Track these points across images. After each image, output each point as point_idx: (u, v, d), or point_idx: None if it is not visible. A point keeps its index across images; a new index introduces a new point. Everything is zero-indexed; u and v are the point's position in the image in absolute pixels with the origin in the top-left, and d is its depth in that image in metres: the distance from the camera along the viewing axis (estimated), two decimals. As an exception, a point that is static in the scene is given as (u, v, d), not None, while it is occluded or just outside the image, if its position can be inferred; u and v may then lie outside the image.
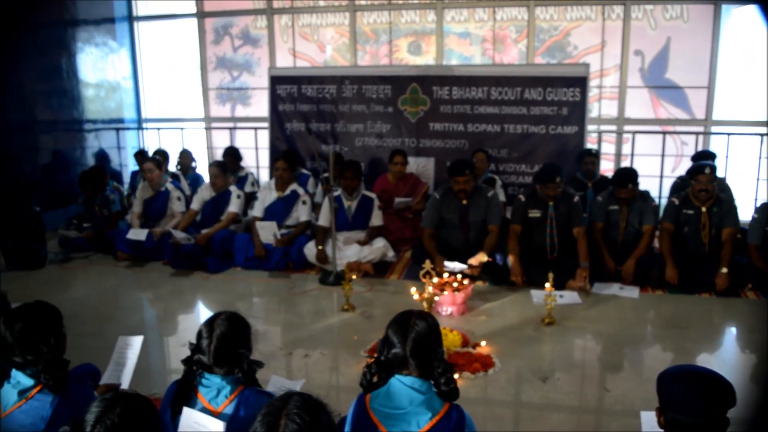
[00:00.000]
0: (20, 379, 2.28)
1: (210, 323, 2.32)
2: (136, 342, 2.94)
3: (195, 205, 6.57)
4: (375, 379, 2.25)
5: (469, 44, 8.28)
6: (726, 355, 4.41)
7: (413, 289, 4.00)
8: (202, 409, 2.20)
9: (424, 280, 4.01)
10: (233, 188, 6.55)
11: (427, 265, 4.01)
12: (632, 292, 5.36)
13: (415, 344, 2.19)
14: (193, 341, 2.33)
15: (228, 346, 2.27)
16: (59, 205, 7.60)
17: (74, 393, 2.31)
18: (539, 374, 3.90)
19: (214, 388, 2.25)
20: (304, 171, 7.47)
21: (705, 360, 4.22)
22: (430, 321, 2.30)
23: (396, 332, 2.24)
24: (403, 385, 2.17)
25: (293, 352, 4.28)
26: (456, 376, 3.47)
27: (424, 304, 3.91)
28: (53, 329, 2.40)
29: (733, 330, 4.86)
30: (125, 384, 2.83)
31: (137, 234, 6.33)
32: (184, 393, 2.24)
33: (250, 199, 6.99)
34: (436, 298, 3.87)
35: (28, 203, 6.45)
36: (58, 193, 7.70)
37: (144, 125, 9.35)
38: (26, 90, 7.26)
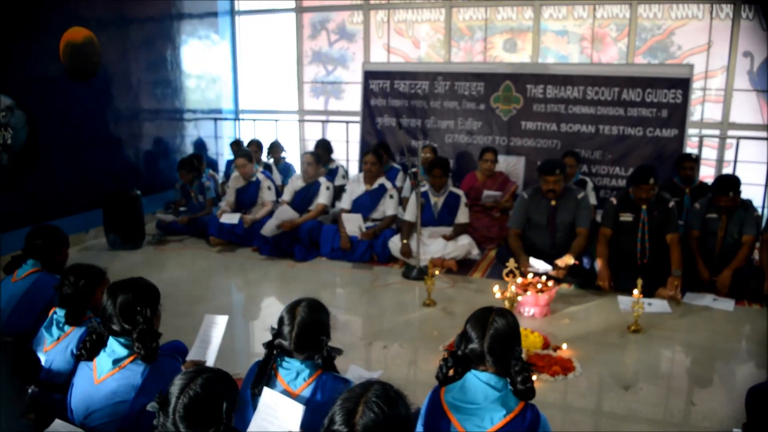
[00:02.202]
0: (115, 347, 2.42)
1: (292, 309, 2.38)
2: (222, 321, 3.05)
3: (286, 195, 6.74)
4: (451, 372, 2.25)
5: (567, 42, 8.09)
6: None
7: (496, 288, 3.96)
8: (281, 390, 2.27)
9: (507, 279, 3.97)
10: (323, 180, 6.68)
11: (511, 263, 3.97)
12: (727, 304, 5.11)
13: (493, 341, 2.19)
14: (275, 326, 2.40)
15: (308, 333, 2.33)
16: (158, 190, 7.99)
17: (163, 365, 2.44)
18: (622, 382, 3.80)
19: (294, 370, 2.32)
20: (395, 165, 7.52)
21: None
22: (510, 319, 2.28)
23: (475, 327, 2.24)
24: (478, 381, 2.17)
25: (373, 342, 4.34)
26: (534, 377, 3.44)
27: (506, 303, 3.88)
28: (151, 303, 2.54)
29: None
30: (210, 361, 2.96)
31: (230, 218, 6.59)
32: (265, 374, 2.31)
33: (339, 191, 7.12)
34: (519, 298, 3.82)
35: (130, 187, 6.83)
36: (157, 178, 8.09)
37: (240, 116, 9.66)
38: (133, 79, 7.65)
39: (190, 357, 3.01)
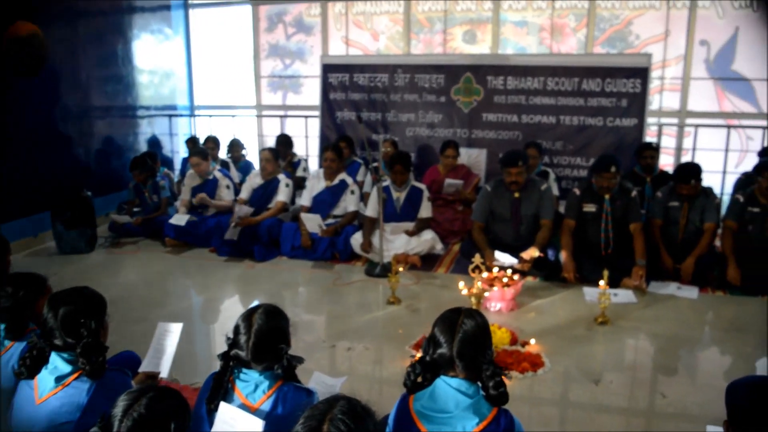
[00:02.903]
0: (58, 364, 2.25)
1: (248, 317, 2.24)
2: (176, 329, 2.89)
3: (244, 193, 6.56)
4: (419, 379, 2.14)
5: (526, 33, 8.05)
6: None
7: (462, 284, 3.87)
8: (239, 405, 2.13)
9: (473, 275, 3.88)
10: (282, 176, 6.51)
11: (477, 259, 3.87)
12: (691, 292, 5.12)
13: (462, 344, 2.07)
14: (231, 336, 2.26)
15: (266, 342, 2.19)
16: (111, 191, 7.71)
17: (111, 381, 2.27)
18: (591, 376, 3.74)
19: (252, 382, 2.17)
20: (357, 159, 7.38)
21: (767, 366, 4.00)
22: (480, 320, 2.17)
23: (443, 331, 2.12)
24: (449, 387, 2.06)
25: (336, 344, 4.21)
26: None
27: (473, 300, 3.78)
28: (96, 315, 2.36)
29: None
30: (164, 372, 2.79)
31: (179, 219, 6.37)
32: (221, 387, 2.17)
33: (301, 183, 6.96)
34: (486, 294, 3.73)
35: (81, 188, 6.55)
36: (110, 178, 7.82)
37: (196, 112, 9.41)
38: (82, 76, 7.35)
39: (142, 368, 2.83)
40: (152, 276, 5.74)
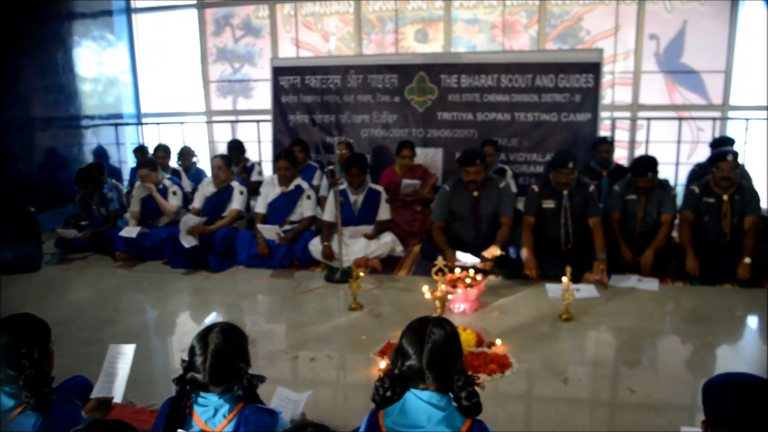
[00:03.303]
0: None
1: (203, 338, 2.10)
2: (128, 350, 2.72)
3: (197, 202, 6.36)
4: (388, 393, 2.03)
5: (478, 31, 8.02)
6: (749, 349, 4.17)
7: (425, 288, 3.77)
8: (198, 431, 1.99)
9: (436, 277, 3.78)
10: (236, 184, 6.34)
11: (440, 261, 3.78)
12: (651, 284, 5.14)
13: (432, 355, 1.98)
14: (186, 358, 2.11)
15: (224, 362, 2.06)
16: (56, 205, 7.40)
17: (58, 413, 2.10)
18: (559, 375, 3.68)
19: (211, 407, 2.04)
20: (312, 163, 7.24)
21: (727, 354, 4.01)
22: (449, 328, 2.08)
23: (411, 342, 2.02)
24: (419, 401, 1.96)
25: (299, 354, 4.07)
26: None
27: (437, 303, 3.68)
28: (39, 342, 2.20)
29: (757, 321, 4.63)
30: (118, 397, 2.63)
31: (129, 231, 6.14)
32: (178, 413, 2.03)
33: (257, 188, 6.79)
34: (450, 296, 3.64)
35: (24, 203, 6.23)
36: (54, 192, 7.50)
37: (143, 120, 9.13)
38: (21, 86, 7.05)
39: (94, 394, 2.66)
40: (103, 293, 5.49)
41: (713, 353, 4.02)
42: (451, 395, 1.99)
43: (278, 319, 4.86)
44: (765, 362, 3.96)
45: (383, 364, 3.80)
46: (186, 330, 4.68)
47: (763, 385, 1.77)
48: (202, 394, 2.07)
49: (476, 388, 1.99)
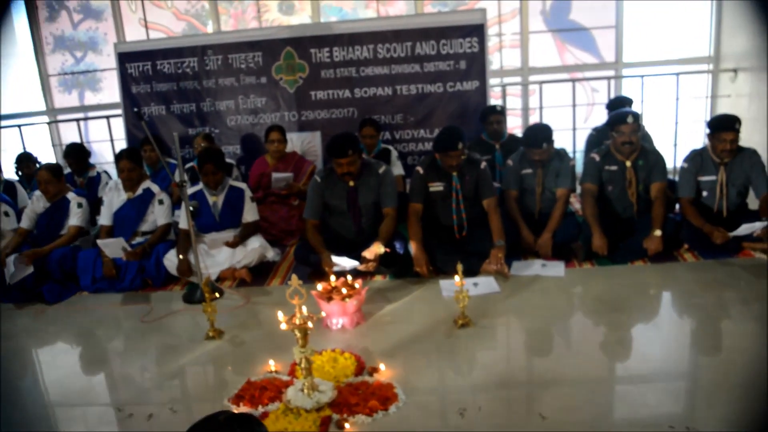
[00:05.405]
0: None
1: None
2: None
3: (25, 222, 5.28)
4: None
5: (349, -2, 7.22)
6: (671, 334, 3.58)
7: (280, 315, 2.98)
8: None
9: (293, 301, 2.95)
10: (72, 195, 5.29)
11: (294, 281, 2.97)
12: (557, 268, 4.54)
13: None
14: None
15: None
16: None
17: None
18: (455, 404, 2.96)
19: None
20: (172, 161, 6.26)
21: (649, 346, 3.41)
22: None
23: None
24: None
25: (134, 413, 3.19)
26: (347, 426, 2.53)
27: (298, 335, 2.89)
28: None
29: (673, 299, 4.16)
30: None
31: None
32: None
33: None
34: (310, 324, 2.87)
35: None
36: None
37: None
38: None
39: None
40: None
41: (638, 352, 3.41)
42: None
43: (115, 363, 3.92)
44: (687, 344, 3.46)
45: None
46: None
47: None
48: None
49: None
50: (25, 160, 6.71)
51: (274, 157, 5.91)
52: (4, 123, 7.62)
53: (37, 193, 5.36)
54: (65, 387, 3.59)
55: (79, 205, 5.27)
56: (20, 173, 6.70)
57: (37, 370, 3.89)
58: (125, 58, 6.67)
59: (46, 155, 7.44)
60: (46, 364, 3.98)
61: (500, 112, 5.83)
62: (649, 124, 6.01)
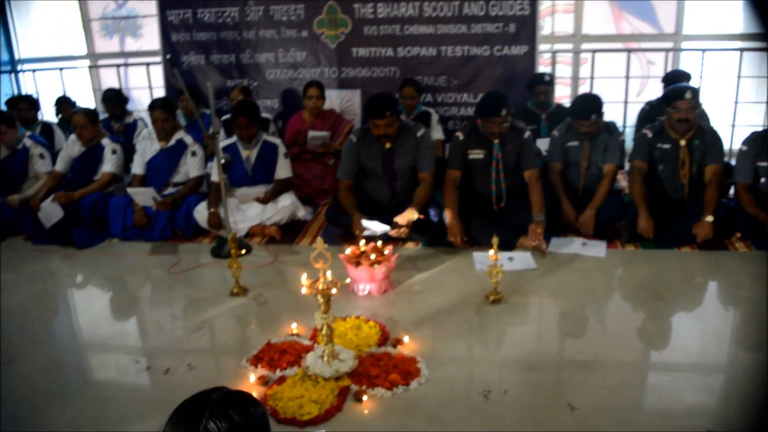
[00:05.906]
0: None
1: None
2: None
3: (59, 165, 5.26)
4: None
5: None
6: (715, 328, 3.37)
7: (304, 278, 2.86)
8: None
9: (317, 265, 2.83)
10: (107, 141, 5.24)
11: (319, 244, 2.83)
12: (598, 249, 4.32)
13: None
14: None
15: None
16: None
17: None
18: (479, 385, 2.81)
19: None
20: (207, 111, 6.15)
21: (689, 331, 3.22)
22: (238, 419, 1.16)
23: None
24: None
25: (153, 365, 3.14)
26: (365, 398, 2.42)
27: (320, 300, 2.77)
28: None
29: (720, 290, 3.92)
30: None
31: None
32: None
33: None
34: (334, 291, 2.75)
35: None
36: None
37: (19, 67, 7.80)
38: None
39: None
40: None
41: (672, 341, 3.23)
42: None
43: (139, 312, 3.88)
44: (731, 339, 3.25)
45: (253, 378, 2.92)
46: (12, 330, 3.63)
47: None
48: None
49: None
50: (63, 103, 6.69)
51: (312, 114, 5.76)
52: (46, 66, 7.59)
53: (72, 137, 5.31)
54: (88, 333, 3.58)
55: (114, 152, 5.21)
56: (60, 116, 6.68)
57: (61, 314, 3.87)
58: (166, 5, 6.54)
59: (86, 100, 7.38)
60: (72, 308, 3.96)
61: (548, 83, 5.56)
62: (707, 102, 5.67)
